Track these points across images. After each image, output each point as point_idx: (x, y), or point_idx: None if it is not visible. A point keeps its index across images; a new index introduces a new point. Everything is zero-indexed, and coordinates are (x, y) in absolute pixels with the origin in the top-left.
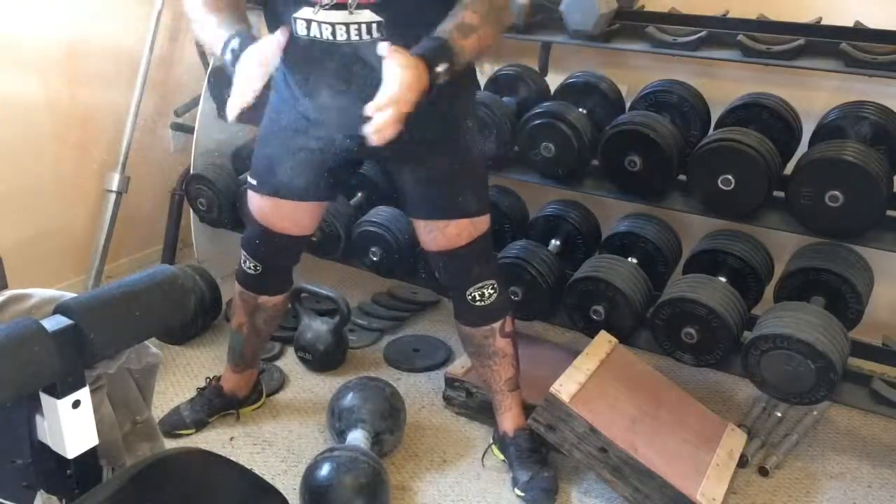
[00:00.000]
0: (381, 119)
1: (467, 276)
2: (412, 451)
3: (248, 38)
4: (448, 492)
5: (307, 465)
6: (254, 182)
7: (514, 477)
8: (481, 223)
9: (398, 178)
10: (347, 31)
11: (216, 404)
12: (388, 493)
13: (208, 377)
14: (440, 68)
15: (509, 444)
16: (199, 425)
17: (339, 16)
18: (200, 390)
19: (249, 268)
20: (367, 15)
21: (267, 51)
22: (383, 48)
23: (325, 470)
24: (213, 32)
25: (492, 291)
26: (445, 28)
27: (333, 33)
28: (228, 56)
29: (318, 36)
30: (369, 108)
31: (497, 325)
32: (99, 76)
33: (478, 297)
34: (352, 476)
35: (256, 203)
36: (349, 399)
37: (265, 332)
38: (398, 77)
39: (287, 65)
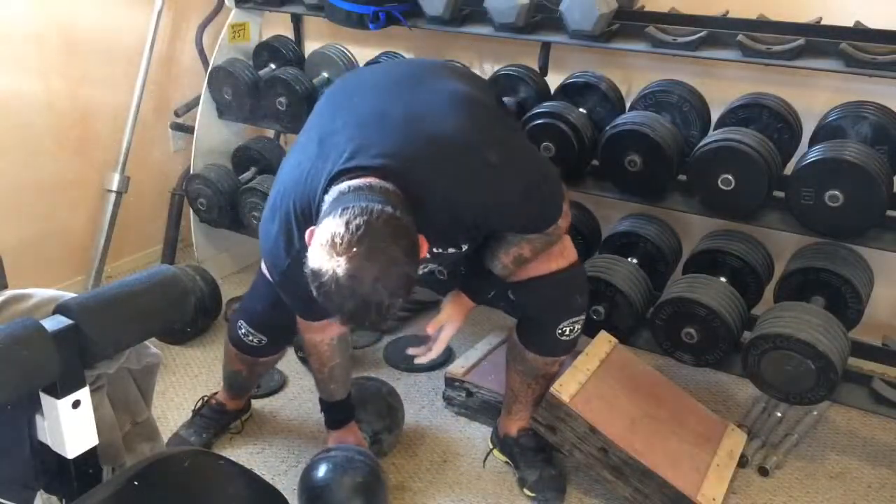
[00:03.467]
0: (433, 355)
1: (568, 307)
2: (412, 451)
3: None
4: (448, 492)
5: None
6: (291, 307)
7: (522, 477)
8: (571, 245)
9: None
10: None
11: (221, 422)
12: (385, 492)
13: (203, 396)
14: (488, 296)
15: (513, 445)
16: (207, 447)
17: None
18: (197, 411)
19: (252, 341)
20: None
21: None
22: (430, 328)
23: (322, 470)
24: (327, 388)
25: (580, 327)
26: (503, 262)
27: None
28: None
29: None
30: (423, 358)
31: (564, 357)
32: (99, 76)
33: (567, 332)
34: (349, 476)
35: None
36: None
37: (266, 371)
38: (446, 333)
39: None
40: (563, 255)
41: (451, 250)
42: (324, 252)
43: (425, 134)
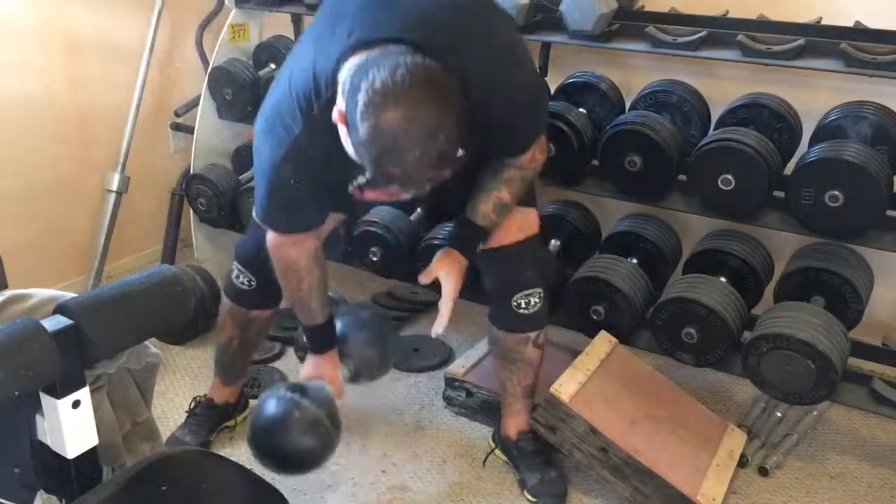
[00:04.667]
0: (444, 322)
1: (516, 281)
2: (412, 451)
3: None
4: (448, 492)
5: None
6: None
7: (522, 479)
8: (532, 216)
9: (445, 201)
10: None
11: (214, 419)
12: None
13: (195, 396)
14: (477, 250)
15: (513, 447)
16: (205, 446)
17: None
18: (190, 412)
19: (242, 283)
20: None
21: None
22: (423, 278)
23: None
24: (307, 311)
25: (538, 300)
26: (483, 210)
27: None
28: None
29: None
30: (439, 327)
31: (534, 334)
32: (99, 76)
33: (522, 305)
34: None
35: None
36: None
37: (256, 342)
38: (447, 290)
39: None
40: (523, 227)
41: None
42: (369, 112)
43: (443, 10)
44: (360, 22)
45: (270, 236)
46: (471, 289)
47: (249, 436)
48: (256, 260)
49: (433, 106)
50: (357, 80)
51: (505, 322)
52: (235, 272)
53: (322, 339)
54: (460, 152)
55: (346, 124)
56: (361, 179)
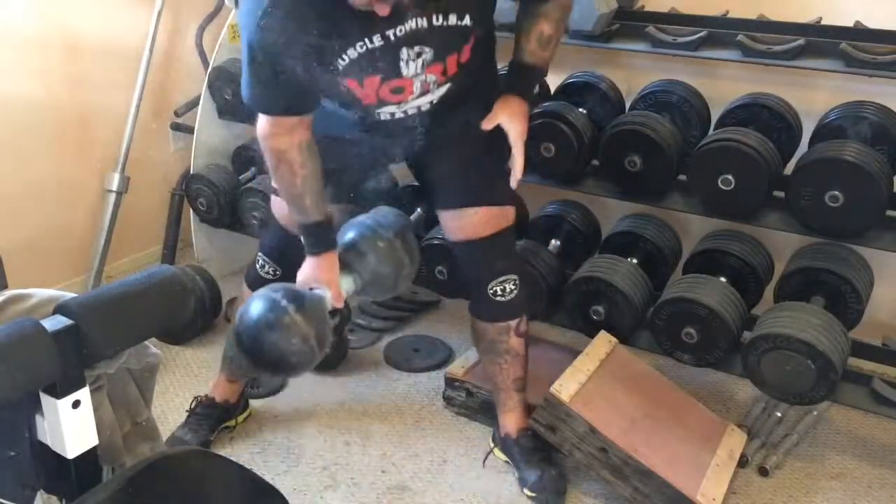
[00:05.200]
0: (519, 171)
1: (490, 269)
2: (412, 451)
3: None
4: (448, 492)
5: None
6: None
7: (522, 477)
8: (507, 213)
9: (429, 170)
10: (430, 105)
11: (214, 418)
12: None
13: (196, 396)
14: (534, 90)
15: (512, 445)
16: (205, 446)
17: (421, 100)
18: (191, 411)
19: (268, 272)
20: (444, 88)
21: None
22: (487, 124)
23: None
24: (303, 207)
25: (513, 287)
26: (528, 48)
27: (417, 110)
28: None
29: (401, 116)
30: (518, 174)
31: (514, 322)
32: (99, 76)
33: (499, 292)
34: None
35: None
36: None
37: None
38: (514, 134)
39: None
40: (498, 222)
41: (452, 20)
42: None
43: None
44: None
45: (261, 125)
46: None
47: (233, 328)
48: (281, 251)
49: None
50: None
51: (484, 311)
52: (261, 262)
53: (318, 239)
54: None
55: None
56: None
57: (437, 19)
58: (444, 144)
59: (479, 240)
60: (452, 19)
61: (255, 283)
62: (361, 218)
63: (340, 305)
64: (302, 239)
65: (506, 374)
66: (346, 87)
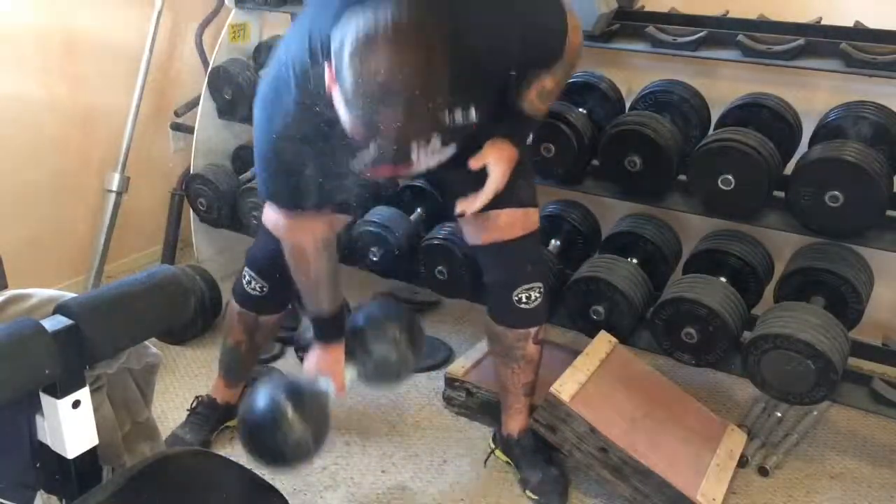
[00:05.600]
0: (479, 203)
1: (519, 274)
2: (412, 451)
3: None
4: (448, 492)
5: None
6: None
7: (524, 478)
8: (533, 215)
9: (448, 177)
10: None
11: (215, 418)
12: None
13: (197, 395)
14: (528, 139)
15: (514, 446)
16: (205, 446)
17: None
18: (191, 410)
19: (254, 288)
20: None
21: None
22: (473, 163)
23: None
24: (315, 299)
25: (538, 295)
26: (528, 98)
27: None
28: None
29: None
30: (473, 204)
31: (534, 330)
32: (99, 76)
33: (524, 299)
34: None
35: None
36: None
37: (263, 346)
38: (495, 175)
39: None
40: (525, 225)
41: (461, 117)
42: (354, 61)
43: None
44: None
45: (280, 219)
46: (471, 289)
47: (238, 417)
48: (269, 267)
49: (418, 53)
50: (344, 33)
51: (506, 317)
52: (247, 278)
53: (327, 331)
54: (460, 117)
55: (337, 83)
56: (361, 158)
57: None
58: (460, 159)
59: (508, 242)
60: (461, 118)
61: (242, 298)
62: (371, 309)
63: (343, 397)
64: (311, 328)
65: (517, 379)
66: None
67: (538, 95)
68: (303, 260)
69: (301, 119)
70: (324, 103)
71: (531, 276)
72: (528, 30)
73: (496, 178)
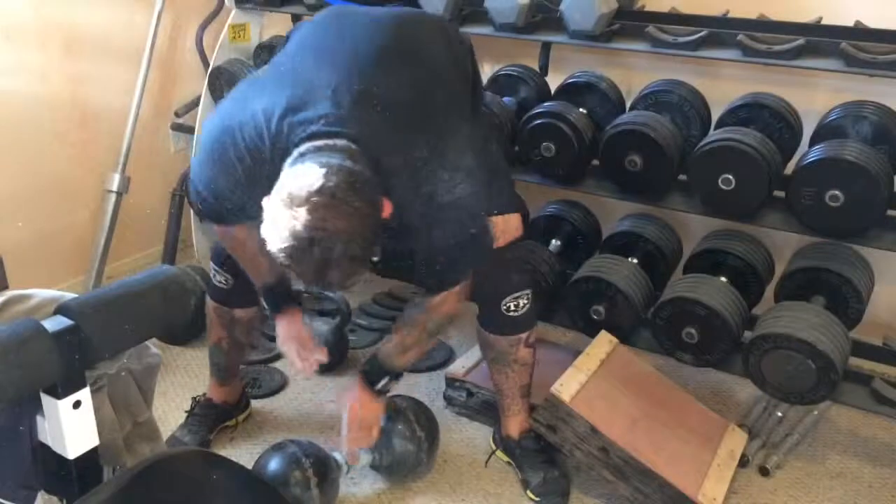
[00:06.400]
0: (351, 450)
1: (506, 284)
2: None
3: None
4: (448, 492)
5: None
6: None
7: (525, 479)
8: (513, 220)
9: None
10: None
11: (213, 417)
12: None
13: (194, 396)
14: (381, 384)
15: (515, 447)
16: (204, 446)
17: None
18: (190, 411)
19: (220, 282)
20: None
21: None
22: (337, 400)
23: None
24: (256, 272)
25: (526, 301)
26: (386, 350)
27: None
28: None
29: None
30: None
31: (525, 335)
32: (99, 77)
33: (513, 307)
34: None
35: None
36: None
37: (245, 343)
38: (344, 421)
39: None
40: (505, 233)
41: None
42: (282, 212)
43: (415, 131)
44: (335, 111)
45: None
46: (470, 289)
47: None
48: (230, 259)
49: (342, 215)
50: (287, 177)
51: (495, 326)
52: (213, 272)
53: (279, 299)
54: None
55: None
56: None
57: None
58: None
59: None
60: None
61: (213, 292)
62: (406, 403)
63: (356, 463)
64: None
65: (512, 382)
66: None
67: (396, 348)
68: (235, 239)
69: (238, 176)
70: (263, 177)
71: (518, 285)
72: (434, 253)
73: (346, 422)
